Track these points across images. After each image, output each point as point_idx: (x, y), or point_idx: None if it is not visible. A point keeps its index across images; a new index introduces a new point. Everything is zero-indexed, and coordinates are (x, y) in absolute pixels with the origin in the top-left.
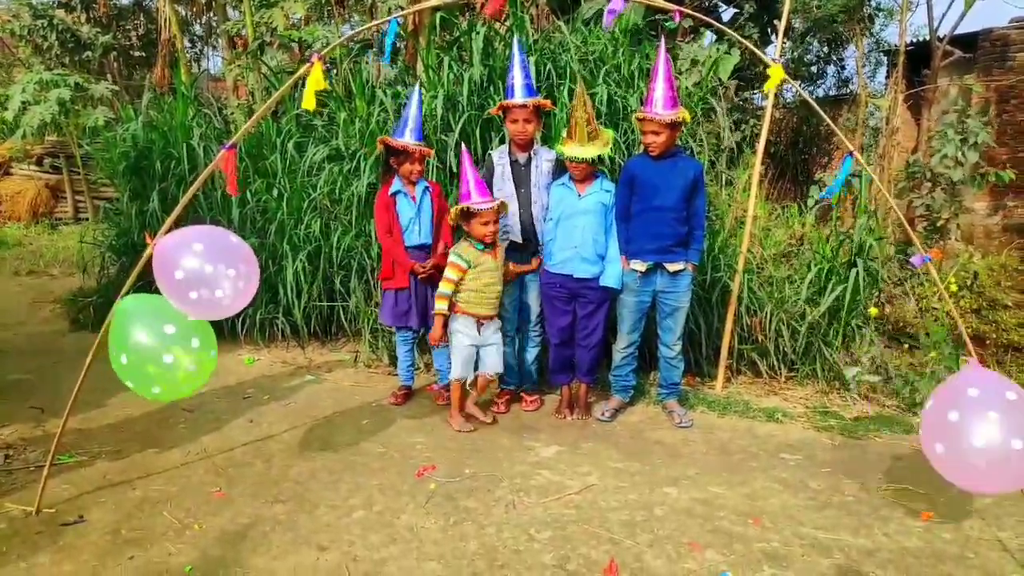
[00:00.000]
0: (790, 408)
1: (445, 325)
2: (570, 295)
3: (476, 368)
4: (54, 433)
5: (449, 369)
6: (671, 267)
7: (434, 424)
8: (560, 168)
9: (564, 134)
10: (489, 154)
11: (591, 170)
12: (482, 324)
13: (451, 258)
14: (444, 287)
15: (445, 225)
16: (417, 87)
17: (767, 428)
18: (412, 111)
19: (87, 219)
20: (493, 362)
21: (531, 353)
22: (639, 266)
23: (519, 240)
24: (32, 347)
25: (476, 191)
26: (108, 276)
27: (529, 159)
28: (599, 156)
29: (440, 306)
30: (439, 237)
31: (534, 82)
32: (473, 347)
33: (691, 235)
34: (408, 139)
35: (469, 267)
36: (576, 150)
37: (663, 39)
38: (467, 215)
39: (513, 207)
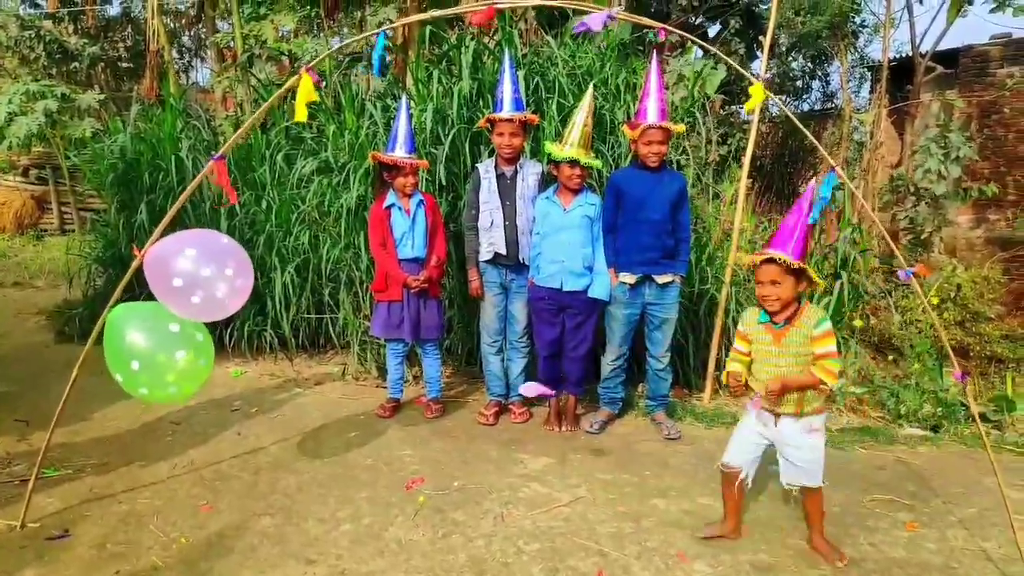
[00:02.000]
0: None
1: None
2: (558, 307)
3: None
4: (39, 446)
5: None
6: (659, 279)
7: (423, 436)
8: (545, 181)
9: (560, 140)
10: (475, 167)
11: (585, 181)
12: None
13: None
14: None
15: (439, 238)
16: (404, 99)
17: None
18: (401, 124)
19: (73, 230)
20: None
21: (518, 364)
22: (628, 279)
23: (504, 252)
24: (17, 359)
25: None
26: (95, 288)
27: (515, 172)
28: (591, 167)
29: None
30: (432, 250)
31: (523, 96)
32: None
33: (677, 247)
34: (398, 153)
35: None
36: (581, 154)
37: (655, 53)
38: None
39: (499, 219)
